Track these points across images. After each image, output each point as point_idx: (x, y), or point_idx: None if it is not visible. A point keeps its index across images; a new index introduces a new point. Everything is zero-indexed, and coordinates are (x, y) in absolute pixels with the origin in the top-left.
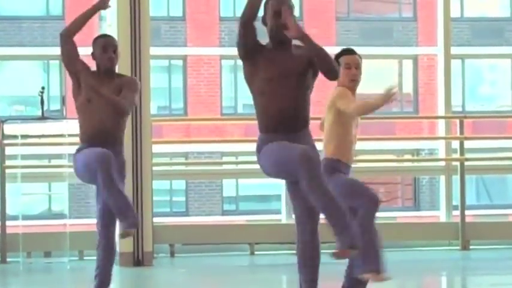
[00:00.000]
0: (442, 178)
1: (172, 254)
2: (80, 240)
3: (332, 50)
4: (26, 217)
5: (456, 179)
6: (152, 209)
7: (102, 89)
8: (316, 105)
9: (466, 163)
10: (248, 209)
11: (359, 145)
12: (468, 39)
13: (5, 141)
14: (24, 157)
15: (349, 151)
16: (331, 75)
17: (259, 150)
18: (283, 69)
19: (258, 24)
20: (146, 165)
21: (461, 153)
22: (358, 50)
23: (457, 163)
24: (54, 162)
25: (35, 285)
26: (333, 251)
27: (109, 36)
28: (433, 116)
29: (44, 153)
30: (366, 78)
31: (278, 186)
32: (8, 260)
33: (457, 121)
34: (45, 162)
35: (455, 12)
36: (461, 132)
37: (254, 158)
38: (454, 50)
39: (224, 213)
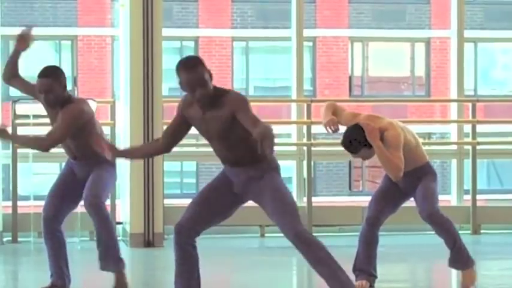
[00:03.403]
0: (454, 162)
1: None
2: (90, 221)
3: (344, 33)
4: (37, 197)
5: (467, 163)
6: (163, 191)
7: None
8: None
9: (478, 147)
10: None
11: None
12: (481, 23)
13: (17, 121)
14: None
15: None
16: None
17: None
18: None
19: None
20: None
21: (473, 137)
22: (371, 32)
23: (469, 147)
24: None
25: (46, 264)
26: None
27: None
28: (445, 99)
29: None
30: (378, 60)
31: (289, 168)
32: (19, 239)
33: (469, 105)
34: None
35: None
36: (474, 116)
37: None
38: (467, 33)
39: None
